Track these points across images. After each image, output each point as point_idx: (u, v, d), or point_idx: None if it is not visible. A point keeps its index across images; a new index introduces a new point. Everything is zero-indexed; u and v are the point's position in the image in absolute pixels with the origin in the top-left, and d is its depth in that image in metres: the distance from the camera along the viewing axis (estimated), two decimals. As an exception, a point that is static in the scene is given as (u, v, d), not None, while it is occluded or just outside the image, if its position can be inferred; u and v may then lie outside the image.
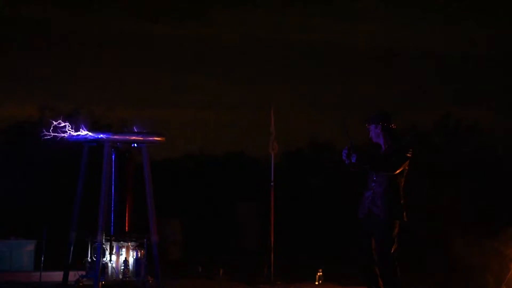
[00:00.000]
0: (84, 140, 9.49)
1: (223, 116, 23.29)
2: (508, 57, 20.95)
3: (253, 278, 10.86)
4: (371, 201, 7.47)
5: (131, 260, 9.42)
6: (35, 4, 21.98)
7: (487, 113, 21.27)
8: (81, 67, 21.75)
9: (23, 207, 15.37)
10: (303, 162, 20.44)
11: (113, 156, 9.51)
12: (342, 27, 23.92)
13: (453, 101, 21.98)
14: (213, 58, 23.87)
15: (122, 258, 9.41)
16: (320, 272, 10.53)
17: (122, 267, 9.38)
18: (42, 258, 9.87)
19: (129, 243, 9.45)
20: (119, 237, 9.44)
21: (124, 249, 9.43)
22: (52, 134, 9.31)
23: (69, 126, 9.28)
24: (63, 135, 9.32)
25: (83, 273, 9.53)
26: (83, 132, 9.34)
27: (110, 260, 9.35)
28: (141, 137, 9.50)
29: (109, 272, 9.35)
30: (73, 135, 9.37)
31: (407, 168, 7.50)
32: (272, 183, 11.18)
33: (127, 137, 9.52)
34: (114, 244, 9.38)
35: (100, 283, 9.17)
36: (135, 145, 9.58)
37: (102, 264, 9.29)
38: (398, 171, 7.40)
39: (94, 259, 9.32)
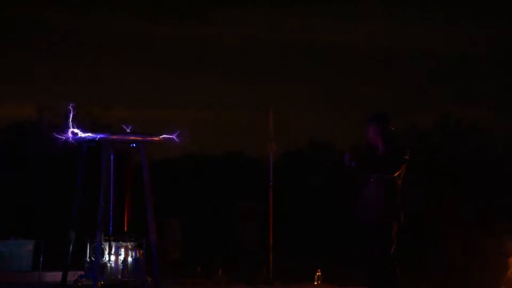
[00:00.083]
0: (83, 140, 9.49)
1: (223, 116, 23.29)
2: (508, 57, 20.95)
3: (252, 278, 10.85)
4: (368, 202, 7.48)
5: (130, 260, 9.41)
6: (35, 4, 21.98)
7: (487, 113, 21.28)
8: (81, 67, 21.75)
9: (22, 207, 15.36)
10: (302, 162, 20.44)
11: (112, 156, 9.50)
12: (342, 27, 23.92)
13: (453, 101, 21.98)
14: (213, 58, 23.87)
15: (121, 258, 9.41)
16: (319, 272, 10.53)
17: (121, 267, 9.37)
18: (41, 258, 9.86)
19: (128, 243, 9.45)
20: (118, 237, 9.44)
21: (123, 249, 9.43)
22: (64, 136, 9.32)
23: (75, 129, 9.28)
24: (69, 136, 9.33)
25: (82, 273, 9.52)
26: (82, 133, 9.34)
27: (109, 260, 9.34)
28: (140, 137, 9.50)
29: (108, 272, 9.34)
30: (73, 135, 9.36)
31: (404, 170, 7.50)
32: (271, 183, 11.18)
33: (126, 137, 9.51)
34: (113, 244, 9.37)
35: (99, 283, 9.16)
36: (134, 145, 9.58)
37: (101, 264, 9.29)
38: (396, 174, 7.41)
39: (93, 259, 9.31)
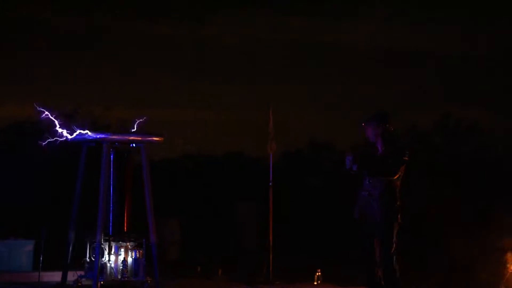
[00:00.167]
0: (83, 140, 9.49)
1: (223, 116, 23.28)
2: (508, 57, 20.93)
3: (252, 278, 10.85)
4: (367, 202, 7.48)
5: (129, 260, 9.42)
6: (35, 4, 21.97)
7: (487, 113, 21.26)
8: (81, 67, 21.73)
9: (22, 207, 15.35)
10: (302, 162, 20.44)
11: (111, 156, 9.50)
12: (342, 27, 23.91)
13: (453, 101, 21.96)
14: (213, 58, 23.86)
15: (120, 258, 9.41)
16: (318, 272, 10.53)
17: (121, 267, 9.38)
18: (41, 258, 9.86)
19: (127, 243, 9.45)
20: (118, 237, 9.44)
21: (122, 249, 9.43)
22: (52, 138, 9.32)
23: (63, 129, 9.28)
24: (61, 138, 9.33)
25: (82, 273, 9.52)
26: (82, 132, 9.33)
27: (109, 260, 9.34)
28: (140, 137, 9.50)
29: (108, 272, 9.34)
30: (73, 135, 9.37)
31: (403, 170, 7.51)
32: (271, 183, 11.18)
33: (126, 137, 9.51)
34: (113, 244, 9.38)
35: (99, 283, 9.16)
36: (134, 145, 9.58)
37: (101, 264, 9.29)
38: (397, 176, 7.43)
39: (93, 259, 9.32)
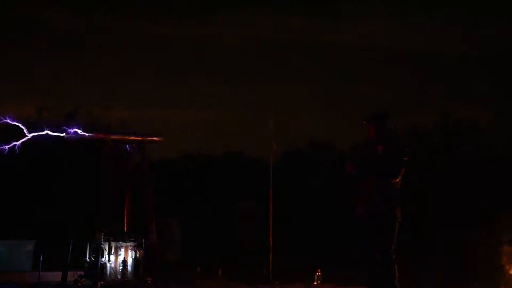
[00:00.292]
0: (83, 140, 9.49)
1: (223, 116, 23.29)
2: (508, 57, 20.94)
3: (252, 278, 10.85)
4: (368, 201, 7.47)
5: (129, 260, 9.42)
6: (35, 4, 21.98)
7: (487, 113, 21.27)
8: (81, 67, 21.75)
9: (22, 207, 15.35)
10: (302, 162, 20.43)
11: (111, 156, 9.50)
12: (342, 27, 23.92)
13: (453, 101, 21.97)
14: (213, 58, 23.87)
15: (120, 258, 9.41)
16: (318, 272, 10.53)
17: (121, 267, 9.38)
18: (41, 258, 9.87)
19: (127, 243, 9.45)
20: (118, 237, 9.44)
21: (122, 249, 9.43)
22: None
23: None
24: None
25: (82, 273, 9.52)
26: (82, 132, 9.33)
27: (109, 260, 9.34)
28: (140, 137, 9.50)
29: (108, 272, 9.34)
30: (72, 135, 9.37)
31: (404, 171, 7.51)
32: (271, 184, 11.18)
33: (126, 137, 9.52)
34: (113, 244, 9.38)
35: (99, 283, 9.16)
36: (134, 145, 9.58)
37: (101, 264, 9.29)
38: (399, 178, 7.44)
39: (93, 259, 9.31)
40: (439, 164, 17.64)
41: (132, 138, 9.50)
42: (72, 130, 9.27)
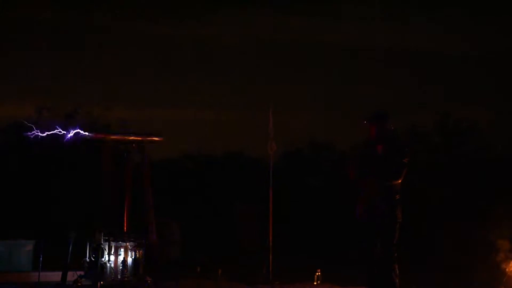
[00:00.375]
0: (83, 140, 9.49)
1: (223, 116, 23.30)
2: (508, 57, 20.94)
3: (252, 278, 10.85)
4: (369, 202, 7.47)
5: (129, 260, 9.41)
6: (35, 4, 21.98)
7: (487, 113, 21.28)
8: (81, 67, 21.76)
9: (22, 207, 15.35)
10: (302, 162, 20.43)
11: (112, 156, 9.51)
12: (342, 27, 23.93)
13: (453, 101, 21.98)
14: (213, 58, 23.88)
15: (120, 258, 9.41)
16: (318, 272, 10.53)
17: (121, 267, 9.37)
18: (41, 258, 9.87)
19: (127, 243, 9.45)
20: (118, 237, 9.44)
21: (122, 249, 9.43)
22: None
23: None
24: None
25: (82, 273, 9.52)
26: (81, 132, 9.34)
27: (109, 260, 9.34)
28: (140, 137, 9.50)
29: (108, 272, 9.34)
30: (72, 135, 9.37)
31: (405, 172, 7.52)
32: (271, 184, 11.18)
33: (126, 137, 9.52)
34: (113, 244, 9.37)
35: (99, 283, 9.16)
36: (134, 145, 9.58)
37: (101, 264, 9.28)
38: (401, 180, 7.45)
39: (93, 259, 9.31)
40: (439, 164, 17.65)
41: (132, 138, 9.50)
42: (69, 135, 9.27)
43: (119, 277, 9.35)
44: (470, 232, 12.89)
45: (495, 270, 10.15)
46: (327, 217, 16.54)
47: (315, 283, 10.51)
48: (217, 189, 18.64)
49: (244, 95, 23.74)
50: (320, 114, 23.40)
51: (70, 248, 9.66)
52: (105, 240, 9.31)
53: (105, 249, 9.30)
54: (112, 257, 9.35)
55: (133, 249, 9.43)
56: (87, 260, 9.41)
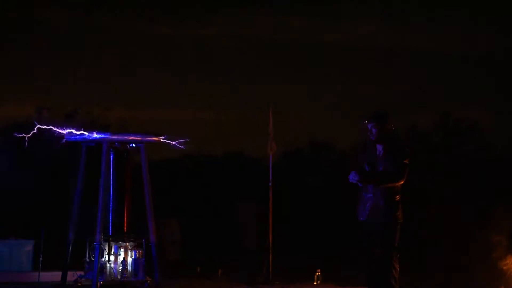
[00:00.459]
0: (83, 140, 9.48)
1: (223, 116, 23.29)
2: (508, 57, 20.93)
3: (252, 278, 10.85)
4: (371, 204, 7.47)
5: (129, 260, 9.41)
6: (35, 4, 21.97)
7: (487, 113, 21.26)
8: (81, 67, 21.74)
9: (22, 207, 15.34)
10: (302, 162, 20.43)
11: (111, 156, 9.50)
12: (342, 27, 23.91)
13: (453, 101, 21.96)
14: (213, 58, 23.87)
15: (120, 258, 9.40)
16: (318, 272, 10.53)
17: (121, 267, 9.37)
18: (41, 258, 9.86)
19: (127, 243, 9.44)
20: (118, 237, 9.43)
21: (122, 249, 9.42)
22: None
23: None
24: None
25: (82, 273, 9.51)
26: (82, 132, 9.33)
27: (109, 260, 9.34)
28: (140, 137, 9.49)
29: (108, 272, 9.34)
30: (72, 135, 9.36)
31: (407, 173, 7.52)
32: (270, 183, 11.18)
33: (126, 137, 9.51)
34: (113, 244, 9.37)
35: (99, 283, 9.16)
36: (133, 145, 9.57)
37: (101, 264, 9.28)
38: (403, 181, 7.45)
39: (93, 259, 9.31)
40: (439, 164, 17.64)
41: (132, 138, 9.49)
42: (67, 133, 9.27)
43: (119, 277, 9.34)
44: (470, 232, 12.87)
45: (495, 270, 10.16)
46: (327, 217, 16.53)
47: (315, 283, 10.51)
48: (217, 189, 18.63)
49: (244, 95, 23.71)
50: (320, 114, 23.37)
51: (70, 248, 9.65)
52: (105, 240, 9.31)
53: (105, 249, 9.30)
54: (112, 257, 9.34)
55: (133, 249, 9.42)
56: (87, 260, 9.41)
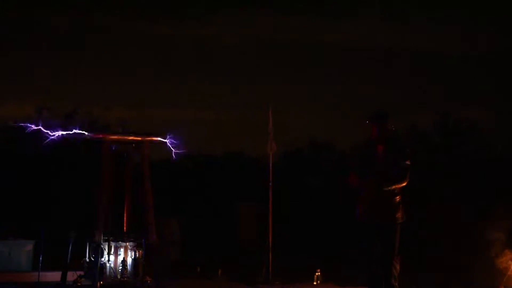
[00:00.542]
0: (83, 140, 9.49)
1: (223, 116, 23.30)
2: (508, 57, 20.94)
3: (252, 278, 10.85)
4: (369, 201, 7.47)
5: (129, 260, 9.42)
6: (35, 4, 21.98)
7: (487, 113, 21.27)
8: (81, 67, 21.75)
9: (22, 207, 15.35)
10: (302, 162, 20.42)
11: (111, 156, 9.51)
12: (342, 27, 23.92)
13: (453, 101, 21.97)
14: (213, 58, 23.88)
15: (120, 258, 9.41)
16: (318, 272, 10.53)
17: (120, 267, 9.37)
18: (41, 258, 9.86)
19: (127, 243, 9.45)
20: (118, 237, 9.44)
21: (122, 249, 9.43)
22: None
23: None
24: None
25: (82, 273, 9.52)
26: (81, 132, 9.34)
27: (109, 260, 9.34)
28: (140, 137, 9.50)
29: (107, 272, 9.34)
30: (72, 135, 9.37)
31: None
32: (270, 183, 11.18)
33: (126, 137, 9.52)
34: (113, 244, 9.38)
35: (99, 283, 9.16)
36: (133, 145, 9.58)
37: (101, 264, 9.29)
38: (405, 183, 7.45)
39: (93, 259, 9.31)
40: (439, 164, 17.64)
41: (132, 138, 9.50)
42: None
43: (119, 277, 9.35)
44: (470, 232, 12.87)
45: (495, 270, 10.15)
46: (327, 217, 16.53)
47: (315, 283, 10.51)
48: (217, 189, 18.62)
49: (244, 95, 23.72)
50: (320, 114, 23.39)
51: (70, 248, 9.66)
52: (105, 240, 9.31)
53: (104, 249, 9.30)
54: (112, 257, 9.35)
55: (133, 249, 9.43)
56: (87, 260, 9.41)
